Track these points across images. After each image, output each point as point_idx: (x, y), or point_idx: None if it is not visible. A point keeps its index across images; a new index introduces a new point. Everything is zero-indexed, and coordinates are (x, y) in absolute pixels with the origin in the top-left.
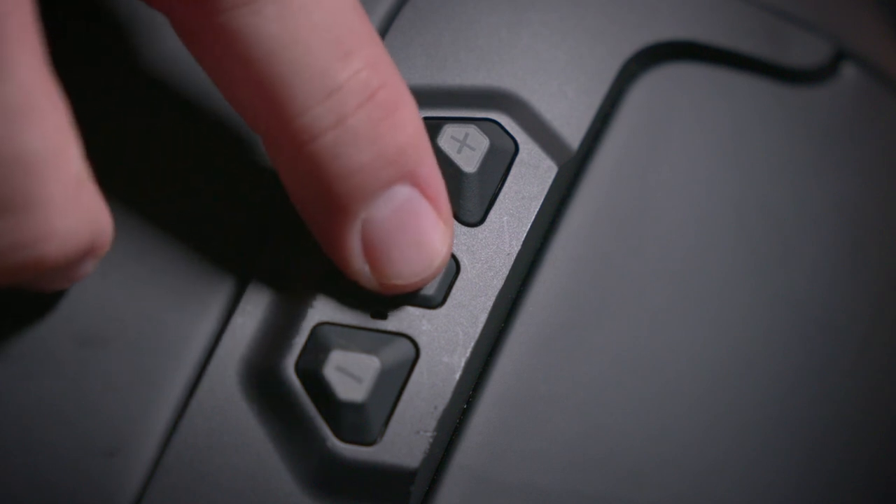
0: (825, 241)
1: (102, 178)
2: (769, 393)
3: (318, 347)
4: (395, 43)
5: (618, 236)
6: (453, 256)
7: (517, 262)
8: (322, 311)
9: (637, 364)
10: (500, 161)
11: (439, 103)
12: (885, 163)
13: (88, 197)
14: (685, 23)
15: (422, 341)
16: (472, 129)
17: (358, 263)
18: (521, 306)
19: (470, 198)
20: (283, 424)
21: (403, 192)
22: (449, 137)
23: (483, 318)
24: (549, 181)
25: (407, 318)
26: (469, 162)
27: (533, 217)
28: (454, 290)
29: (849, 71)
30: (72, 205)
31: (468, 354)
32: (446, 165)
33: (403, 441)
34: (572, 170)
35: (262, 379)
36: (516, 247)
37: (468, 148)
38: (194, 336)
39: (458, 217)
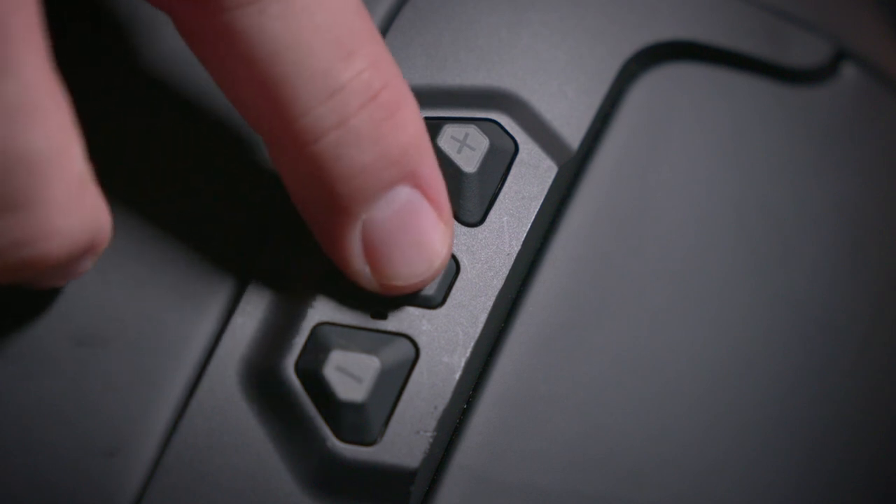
0: (825, 241)
1: (103, 178)
2: (769, 393)
3: (318, 347)
4: (395, 43)
5: (618, 236)
6: (453, 256)
7: (517, 262)
8: (322, 311)
9: (637, 364)
10: (500, 161)
11: (439, 103)
12: (885, 163)
13: (90, 196)
14: (685, 23)
15: (422, 341)
16: (472, 129)
17: (358, 264)
18: (521, 306)
19: (470, 198)
20: (283, 424)
21: (404, 192)
22: (449, 137)
23: (483, 318)
24: (549, 181)
25: (407, 318)
26: (469, 162)
27: (533, 217)
28: (454, 290)
29: (849, 71)
30: (74, 204)
31: (468, 354)
32: (446, 165)
33: (403, 441)
34: (572, 170)
35: (262, 379)
36: (516, 247)
37: (468, 148)
38: (194, 336)
39: (458, 217)
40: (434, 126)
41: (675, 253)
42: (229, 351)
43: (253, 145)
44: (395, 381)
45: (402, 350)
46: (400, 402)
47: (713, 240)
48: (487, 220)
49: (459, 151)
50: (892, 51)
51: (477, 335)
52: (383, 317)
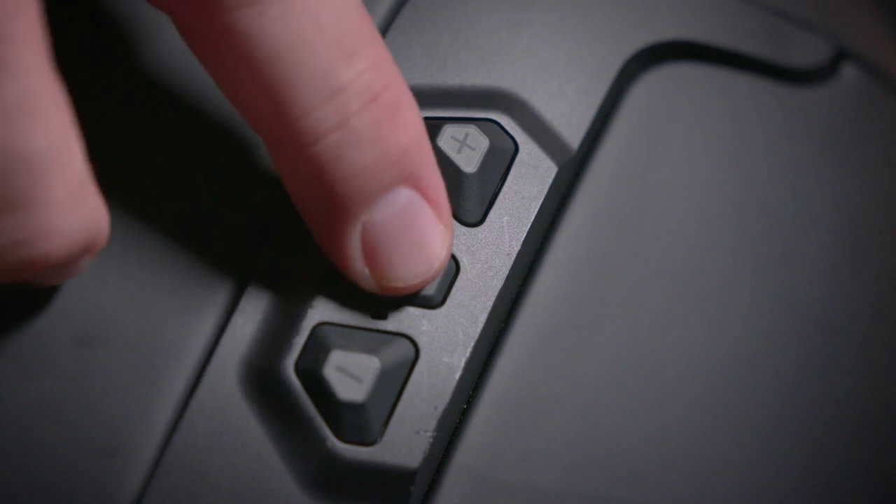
0: (825, 241)
1: (103, 178)
2: (769, 393)
3: (318, 347)
4: (395, 43)
5: (618, 236)
6: (453, 257)
7: (517, 262)
8: (322, 311)
9: (637, 364)
10: (500, 161)
11: (439, 103)
12: (885, 163)
13: (89, 196)
14: (685, 23)
15: (422, 341)
16: (472, 130)
17: (358, 265)
18: (521, 306)
19: (470, 198)
20: (283, 424)
21: (404, 194)
22: (449, 137)
23: (483, 318)
24: (549, 181)
25: (407, 319)
26: (469, 162)
27: (533, 217)
28: (454, 291)
29: (849, 71)
30: (73, 204)
31: (468, 354)
32: (446, 165)
33: (403, 441)
34: (572, 170)
35: (262, 379)
36: (516, 247)
37: (468, 148)
38: (194, 336)
39: (458, 217)
40: (434, 126)
41: (675, 253)
42: (229, 351)
43: (253, 145)
44: (395, 382)
45: (402, 350)
46: (400, 402)
47: (713, 240)
48: (487, 220)
49: (459, 151)
50: (892, 51)
51: (477, 335)
52: (383, 317)
